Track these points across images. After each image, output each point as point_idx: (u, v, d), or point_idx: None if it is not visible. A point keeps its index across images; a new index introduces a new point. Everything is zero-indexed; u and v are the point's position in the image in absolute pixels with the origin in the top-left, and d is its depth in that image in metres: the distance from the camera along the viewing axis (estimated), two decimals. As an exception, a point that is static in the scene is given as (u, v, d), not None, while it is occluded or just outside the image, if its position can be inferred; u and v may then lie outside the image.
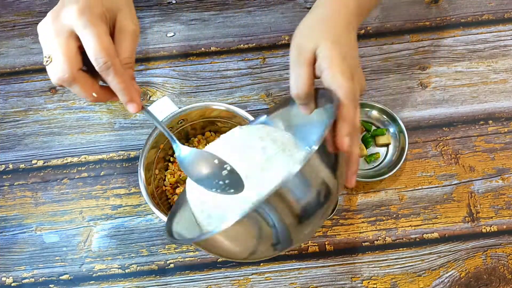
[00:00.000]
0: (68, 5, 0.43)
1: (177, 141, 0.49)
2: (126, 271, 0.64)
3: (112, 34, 0.45)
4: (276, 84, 0.74)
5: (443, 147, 0.69)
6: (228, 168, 0.47)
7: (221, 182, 0.46)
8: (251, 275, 0.64)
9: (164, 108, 0.61)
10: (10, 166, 0.71)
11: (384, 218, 0.66)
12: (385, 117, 0.70)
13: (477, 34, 0.76)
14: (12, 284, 0.64)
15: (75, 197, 0.68)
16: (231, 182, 0.46)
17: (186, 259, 0.65)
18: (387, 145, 0.69)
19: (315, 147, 0.38)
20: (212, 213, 0.48)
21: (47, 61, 0.43)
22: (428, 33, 0.77)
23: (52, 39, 0.42)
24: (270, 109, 0.57)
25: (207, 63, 0.76)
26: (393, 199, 0.67)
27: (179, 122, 0.64)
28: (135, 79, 0.46)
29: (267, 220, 0.39)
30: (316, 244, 0.65)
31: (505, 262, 0.63)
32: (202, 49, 0.77)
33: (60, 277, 0.65)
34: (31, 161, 0.71)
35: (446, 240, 0.64)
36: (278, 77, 0.75)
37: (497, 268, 0.63)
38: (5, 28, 0.80)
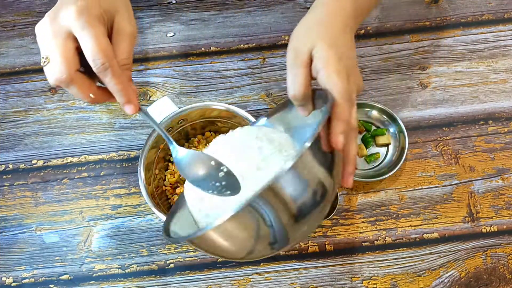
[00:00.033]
0: (66, 6, 0.43)
1: (174, 143, 0.49)
2: (126, 271, 0.65)
3: (109, 36, 0.45)
4: (276, 84, 0.74)
5: (443, 147, 0.69)
6: (225, 169, 0.47)
7: (217, 184, 0.46)
8: (251, 275, 0.64)
9: (164, 108, 0.61)
10: (10, 166, 0.71)
11: (384, 218, 0.66)
12: (385, 117, 0.70)
13: (477, 34, 0.76)
14: (12, 284, 0.64)
15: (75, 197, 0.68)
16: (228, 183, 0.46)
17: (186, 259, 0.65)
18: (387, 145, 0.69)
19: (308, 144, 0.38)
20: (210, 212, 0.48)
21: (44, 62, 0.43)
22: (428, 33, 0.77)
23: (50, 40, 0.43)
24: (269, 112, 0.57)
25: (207, 63, 0.76)
26: (393, 199, 0.67)
27: (179, 122, 0.64)
28: (133, 80, 0.46)
29: (262, 217, 0.39)
30: (316, 244, 0.65)
31: (505, 262, 0.63)
32: (202, 49, 0.77)
33: (60, 277, 0.65)
34: (31, 161, 0.71)
35: (446, 240, 0.64)
36: (278, 77, 0.75)
37: (497, 268, 0.63)
38: (5, 28, 0.80)
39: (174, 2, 0.81)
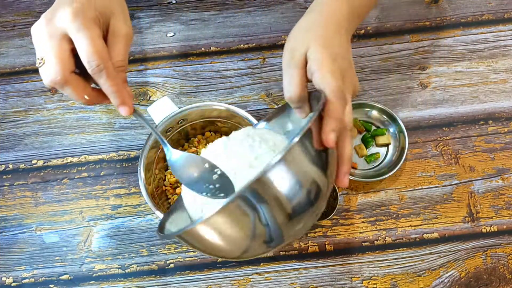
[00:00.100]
0: (61, 8, 0.43)
1: (168, 145, 0.49)
2: (126, 271, 0.64)
3: (105, 37, 0.45)
4: (276, 84, 0.74)
5: (443, 147, 0.69)
6: (219, 172, 0.47)
7: (211, 186, 0.46)
8: (251, 275, 0.64)
9: (164, 108, 0.62)
10: (10, 166, 0.71)
11: (384, 218, 0.66)
12: (385, 117, 0.70)
13: (477, 34, 0.76)
14: (12, 284, 0.64)
15: (75, 197, 0.68)
16: (221, 186, 0.46)
17: (186, 259, 0.65)
18: (387, 145, 0.69)
19: (297, 138, 0.38)
20: (206, 210, 0.47)
21: (40, 63, 0.43)
22: (428, 33, 0.77)
23: (45, 41, 0.43)
24: (268, 116, 0.57)
25: (207, 63, 0.76)
26: (393, 199, 0.67)
27: (179, 122, 0.64)
28: (127, 82, 0.46)
29: (255, 213, 0.39)
30: (316, 244, 0.65)
31: (505, 262, 0.63)
32: (202, 49, 0.77)
33: (60, 277, 0.65)
34: (31, 161, 0.71)
35: (446, 240, 0.64)
36: (278, 77, 0.75)
37: (497, 268, 0.63)
38: (5, 28, 0.80)
39: (174, 2, 0.81)
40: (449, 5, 0.79)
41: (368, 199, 0.67)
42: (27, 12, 0.81)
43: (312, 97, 0.48)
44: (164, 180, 0.66)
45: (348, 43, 0.50)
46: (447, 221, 0.65)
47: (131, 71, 0.76)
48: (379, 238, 0.65)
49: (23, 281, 0.64)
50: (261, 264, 0.64)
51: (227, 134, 0.65)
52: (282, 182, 0.39)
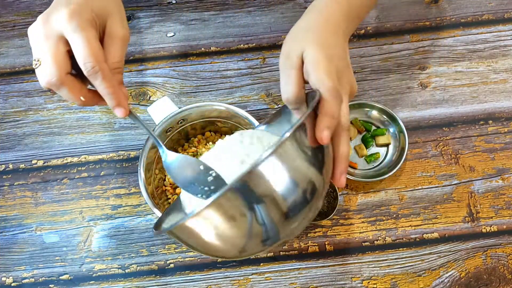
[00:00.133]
0: (58, 9, 0.43)
1: (163, 146, 0.49)
2: (126, 271, 0.64)
3: (102, 39, 0.45)
4: (276, 84, 0.74)
5: (443, 147, 0.69)
6: (214, 174, 0.47)
7: (206, 188, 0.46)
8: (251, 275, 0.64)
9: (164, 108, 0.62)
10: (10, 166, 0.71)
11: (384, 218, 0.66)
12: (385, 117, 0.70)
13: (477, 34, 0.76)
14: (12, 284, 0.64)
15: (75, 197, 0.68)
16: (217, 188, 0.46)
17: (186, 259, 0.65)
18: (387, 145, 0.69)
19: (288, 133, 0.38)
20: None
21: (36, 64, 0.43)
22: (428, 33, 0.77)
23: (42, 43, 0.43)
24: (268, 120, 0.58)
25: (207, 63, 0.76)
26: (393, 199, 0.67)
27: (179, 122, 0.64)
28: (125, 83, 0.46)
29: (246, 207, 0.38)
30: (316, 244, 0.65)
31: (505, 262, 0.63)
32: (202, 49, 0.77)
33: (60, 277, 0.65)
34: (31, 161, 0.71)
35: (446, 240, 0.64)
36: (278, 77, 0.74)
37: (497, 268, 0.63)
38: (5, 28, 0.80)
39: (174, 2, 0.81)
40: (449, 5, 0.79)
41: (368, 199, 0.67)
42: (27, 12, 0.81)
43: (309, 98, 0.48)
44: (164, 180, 0.66)
45: (345, 44, 0.51)
46: (447, 221, 0.65)
47: (131, 71, 0.76)
48: (379, 238, 0.65)
49: (23, 281, 0.64)
50: (261, 264, 0.64)
51: (227, 134, 0.66)
52: (274, 176, 0.38)
